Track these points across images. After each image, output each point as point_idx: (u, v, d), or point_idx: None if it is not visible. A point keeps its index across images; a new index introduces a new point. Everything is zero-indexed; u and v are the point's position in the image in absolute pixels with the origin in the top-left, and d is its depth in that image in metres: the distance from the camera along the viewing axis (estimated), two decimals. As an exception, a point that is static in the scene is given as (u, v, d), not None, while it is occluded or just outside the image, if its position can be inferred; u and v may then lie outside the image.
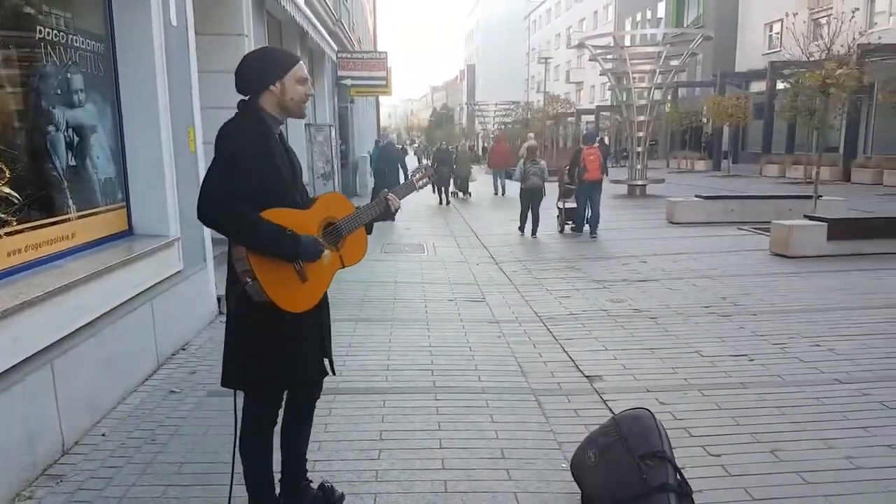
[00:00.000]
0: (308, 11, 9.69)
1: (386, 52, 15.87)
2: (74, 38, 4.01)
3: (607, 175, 11.41)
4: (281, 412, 2.56)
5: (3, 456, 2.75)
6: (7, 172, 3.34)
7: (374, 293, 6.70)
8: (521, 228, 11.11)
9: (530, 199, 10.86)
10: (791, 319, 5.67)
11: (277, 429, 2.58)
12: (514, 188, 19.82)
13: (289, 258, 2.29)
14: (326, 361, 2.60)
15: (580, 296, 6.78)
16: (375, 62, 15.09)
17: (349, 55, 15.05)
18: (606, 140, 42.67)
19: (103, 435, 3.44)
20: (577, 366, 4.63)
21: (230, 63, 7.05)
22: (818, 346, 4.94)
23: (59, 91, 3.87)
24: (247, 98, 2.37)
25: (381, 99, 29.59)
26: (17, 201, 3.47)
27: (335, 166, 10.61)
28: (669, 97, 30.02)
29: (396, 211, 2.68)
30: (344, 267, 2.53)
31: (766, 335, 5.23)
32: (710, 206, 12.44)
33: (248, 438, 2.49)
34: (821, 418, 3.67)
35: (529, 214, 10.89)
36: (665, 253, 9.13)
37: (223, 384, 2.45)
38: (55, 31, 3.79)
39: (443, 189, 16.87)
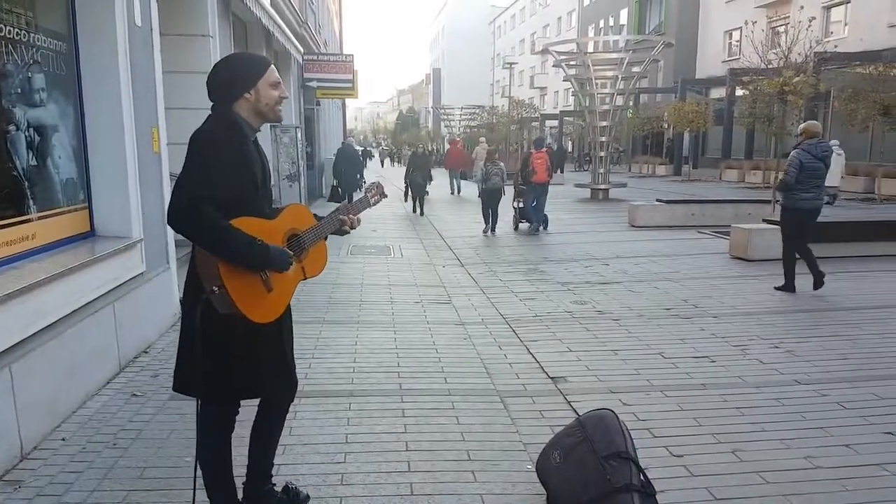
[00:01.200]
0: (273, 13, 9.62)
1: (352, 55, 15.79)
2: (36, 36, 3.93)
3: (552, 177, 12.56)
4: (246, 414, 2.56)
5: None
6: (-36, 172, 3.27)
7: (340, 295, 6.69)
8: (485, 229, 11.82)
9: (490, 199, 11.66)
10: (751, 322, 5.85)
11: (244, 433, 2.57)
12: (468, 188, 20.57)
13: (258, 268, 2.29)
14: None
15: (544, 297, 6.87)
16: (341, 65, 15.03)
17: (315, 57, 14.96)
18: (571, 145, 43.27)
19: (63, 439, 3.38)
20: (541, 367, 4.70)
21: (195, 64, 7.03)
22: (777, 347, 5.11)
23: (19, 90, 3.80)
24: (220, 105, 2.36)
25: (348, 101, 29.42)
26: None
27: (301, 168, 10.53)
28: (631, 103, 30.59)
29: (354, 227, 2.70)
30: (306, 278, 2.55)
31: (727, 337, 5.38)
32: (671, 210, 12.71)
33: (206, 444, 2.47)
34: (780, 419, 3.79)
35: (490, 212, 11.67)
36: (627, 256, 9.32)
37: (176, 389, 2.43)
38: (15, 30, 3.72)
39: (417, 198, 15.02)
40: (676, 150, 32.60)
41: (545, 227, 12.02)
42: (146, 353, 4.74)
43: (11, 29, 3.67)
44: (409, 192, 15.52)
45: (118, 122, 4.54)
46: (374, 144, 79.25)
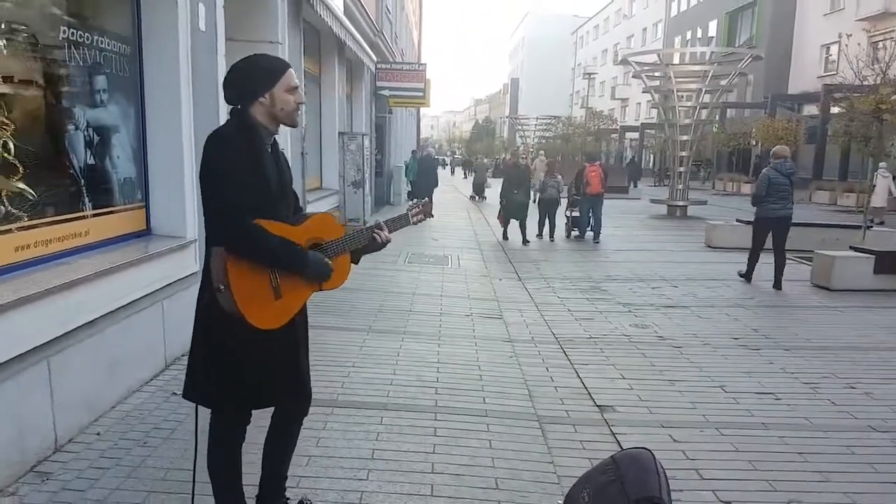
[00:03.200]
0: (347, 22, 9.74)
1: (424, 64, 15.87)
2: (100, 39, 4.06)
3: (605, 189, 13.13)
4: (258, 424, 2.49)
5: (-11, 452, 2.75)
6: (20, 169, 3.38)
7: (390, 304, 6.63)
8: (540, 234, 12.74)
9: (547, 208, 12.69)
10: (826, 357, 5.39)
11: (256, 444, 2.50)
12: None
13: (301, 272, 2.28)
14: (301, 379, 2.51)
15: (602, 318, 6.59)
16: (414, 73, 15.10)
17: (388, 66, 15.11)
18: (653, 159, 42.01)
19: (98, 434, 3.43)
20: (589, 393, 4.47)
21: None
22: (853, 388, 4.67)
23: (80, 91, 3.92)
24: (238, 107, 2.32)
25: (424, 110, 29.71)
26: (31, 197, 3.51)
27: (366, 175, 10.60)
28: (717, 117, 29.40)
29: (385, 243, 2.60)
30: (321, 290, 2.46)
31: (797, 373, 4.97)
32: (751, 232, 12.01)
33: (215, 453, 2.42)
34: (848, 469, 3.45)
35: (546, 221, 12.72)
36: (699, 278, 8.86)
37: (185, 396, 2.38)
38: (79, 33, 3.84)
39: (519, 221, 11.93)
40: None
41: (596, 238, 12.66)
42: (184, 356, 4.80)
43: (74, 32, 3.79)
44: (504, 213, 12.35)
45: (177, 125, 4.64)
46: (448, 154, 79.68)
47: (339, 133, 10.45)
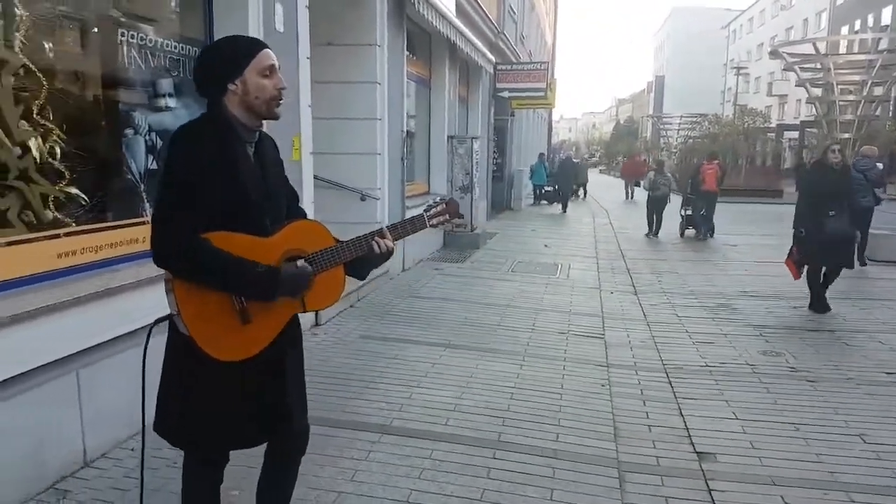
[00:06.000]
0: (458, 23, 9.43)
1: (546, 63, 15.20)
2: (165, 42, 3.99)
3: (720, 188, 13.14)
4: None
5: (4, 466, 2.65)
6: (68, 174, 3.33)
7: (477, 316, 6.16)
8: (650, 232, 13.03)
9: (656, 206, 12.87)
10: None
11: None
12: (640, 195, 20.04)
13: (267, 299, 1.93)
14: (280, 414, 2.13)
15: (725, 342, 5.70)
16: (535, 73, 14.48)
17: (508, 67, 14.64)
18: (810, 157, 38.02)
19: (132, 450, 3.30)
20: (689, 436, 3.76)
21: (359, 74, 6.98)
22: None
23: (142, 95, 3.86)
24: (210, 98, 1.99)
25: (563, 113, 29.18)
26: (83, 203, 3.47)
27: (475, 179, 10.22)
28: (891, 113, 25.96)
29: (388, 253, 2.17)
30: (305, 311, 2.07)
31: (971, 424, 3.91)
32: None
33: (189, 496, 2.12)
34: None
35: (654, 218, 12.94)
36: (854, 297, 7.55)
37: (154, 429, 2.09)
38: (141, 35, 3.78)
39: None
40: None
41: (711, 235, 12.60)
42: (260, 362, 4.66)
43: (135, 35, 3.73)
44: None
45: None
46: (586, 156, 77.67)
47: (447, 137, 10.17)
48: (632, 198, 23.97)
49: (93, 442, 3.14)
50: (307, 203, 5.31)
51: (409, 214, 7.99)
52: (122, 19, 3.70)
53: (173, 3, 4.23)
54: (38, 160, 3.14)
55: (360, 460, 3.28)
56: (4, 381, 2.64)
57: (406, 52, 8.44)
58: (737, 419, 4.02)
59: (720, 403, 4.28)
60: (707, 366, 5.05)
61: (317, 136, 6.52)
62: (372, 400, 4.03)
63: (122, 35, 3.68)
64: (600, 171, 56.99)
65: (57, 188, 3.28)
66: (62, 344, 2.94)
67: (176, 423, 2.03)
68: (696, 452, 3.55)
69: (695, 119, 38.53)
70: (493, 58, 12.73)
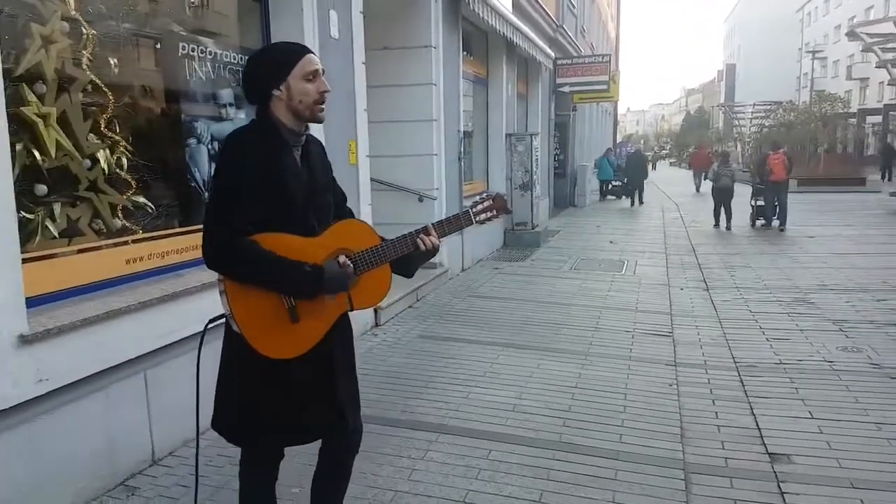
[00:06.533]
0: (514, 19, 9.35)
1: (608, 56, 14.86)
2: (225, 53, 4.11)
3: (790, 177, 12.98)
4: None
5: (76, 462, 2.79)
6: (134, 184, 3.49)
7: (540, 315, 6.07)
8: (717, 224, 12.89)
9: (722, 197, 12.75)
10: None
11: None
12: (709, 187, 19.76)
13: (311, 297, 1.96)
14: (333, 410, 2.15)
15: (802, 338, 5.42)
16: (596, 66, 14.18)
17: (569, 61, 14.39)
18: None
19: (201, 448, 3.40)
20: (761, 436, 3.58)
21: (414, 76, 7.04)
22: None
23: (204, 105, 4.00)
24: (258, 105, 2.04)
25: (629, 105, 28.58)
26: (150, 211, 3.62)
27: (535, 177, 10.09)
28: None
29: (434, 250, 2.16)
30: (353, 310, 2.08)
31: None
32: None
33: (242, 494, 2.19)
34: None
35: (722, 210, 12.79)
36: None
37: (212, 426, 2.15)
38: (201, 48, 3.92)
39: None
40: None
41: (783, 226, 12.32)
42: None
43: (196, 47, 3.87)
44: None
45: (304, 134, 4.59)
46: (655, 149, 75.66)
47: (506, 135, 10.09)
48: (700, 190, 23.92)
49: (161, 440, 3.26)
50: (364, 205, 5.37)
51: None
52: (184, 33, 3.84)
53: (232, 16, 4.36)
54: (106, 171, 3.30)
55: (418, 459, 3.28)
56: (76, 381, 2.77)
57: (462, 52, 8.43)
58: (813, 418, 3.80)
59: (795, 402, 4.06)
60: (781, 363, 4.81)
61: (374, 140, 6.60)
62: (429, 399, 4.03)
63: (184, 49, 3.82)
64: (670, 164, 55.41)
65: (125, 197, 3.43)
66: (130, 346, 3.07)
67: (231, 419, 2.08)
68: (769, 453, 3.38)
69: (768, 107, 36.84)
70: (552, 53, 12.56)
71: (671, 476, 3.14)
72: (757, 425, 3.72)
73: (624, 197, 19.37)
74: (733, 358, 4.94)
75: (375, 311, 5.58)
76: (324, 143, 4.67)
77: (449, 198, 7.53)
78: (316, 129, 4.56)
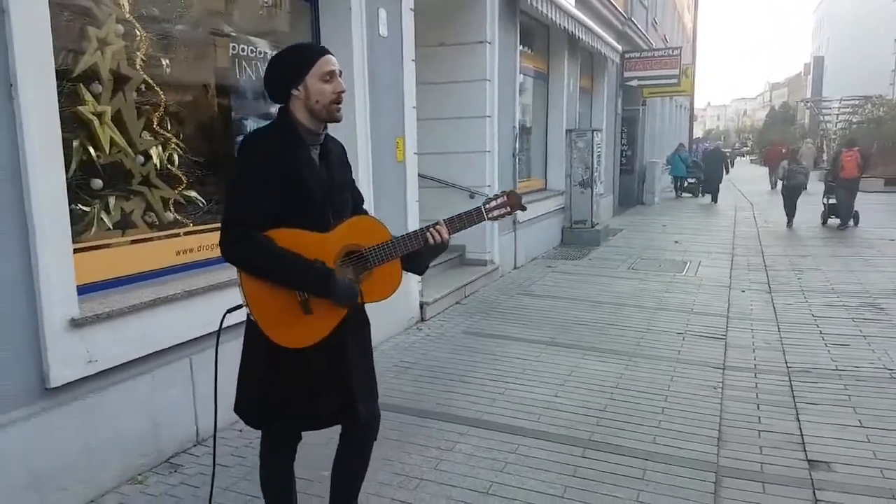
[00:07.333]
0: (576, 12, 9.23)
1: (679, 48, 14.37)
2: (274, 53, 4.28)
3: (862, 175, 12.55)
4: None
5: (123, 439, 2.99)
6: (185, 179, 3.70)
7: (589, 315, 5.99)
8: (790, 224, 12.64)
9: (792, 195, 12.65)
10: None
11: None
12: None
13: (316, 295, 2.04)
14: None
15: (864, 345, 5.14)
16: (666, 59, 13.75)
17: (637, 54, 14.05)
18: None
19: (241, 431, 3.58)
20: (803, 443, 3.45)
21: (468, 73, 7.08)
22: None
23: (253, 104, 4.19)
24: (280, 104, 2.14)
25: (710, 100, 27.71)
26: (201, 205, 3.83)
27: (595, 173, 9.91)
28: None
29: (443, 245, 2.22)
30: (363, 303, 2.16)
31: None
32: None
33: (261, 474, 2.32)
34: None
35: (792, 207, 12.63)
36: None
37: (234, 410, 2.27)
38: (250, 48, 4.10)
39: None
40: None
41: (855, 224, 12.20)
42: (366, 354, 4.85)
43: (245, 47, 4.06)
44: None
45: (351, 132, 4.70)
46: (736, 145, 72.72)
47: (566, 130, 9.97)
48: (775, 187, 22.83)
49: (205, 422, 3.45)
50: (411, 202, 5.46)
51: (520, 212, 8.05)
52: (234, 34, 4.03)
53: (282, 16, 4.53)
54: (158, 167, 3.51)
55: (446, 450, 3.34)
56: (124, 364, 2.98)
57: (521, 47, 8.40)
58: (862, 427, 3.62)
59: (846, 410, 3.88)
60: (837, 369, 4.59)
61: (427, 136, 6.70)
62: (465, 393, 4.08)
63: (234, 49, 4.01)
64: (751, 161, 53.11)
65: (176, 192, 3.65)
66: (176, 332, 3.26)
67: (249, 404, 2.19)
68: (808, 460, 3.25)
69: (856, 102, 34.68)
70: (619, 46, 12.31)
71: (701, 478, 3.07)
72: (800, 431, 3.58)
73: (701, 195, 18.98)
74: (786, 363, 4.75)
75: (421, 305, 5.67)
76: (370, 141, 4.85)
77: (502, 195, 7.52)
78: (362, 127, 4.73)
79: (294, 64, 2.06)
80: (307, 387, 2.14)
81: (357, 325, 2.25)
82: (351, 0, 4.61)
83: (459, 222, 2.26)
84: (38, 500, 2.63)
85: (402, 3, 5.28)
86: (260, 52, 4.18)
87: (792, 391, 4.19)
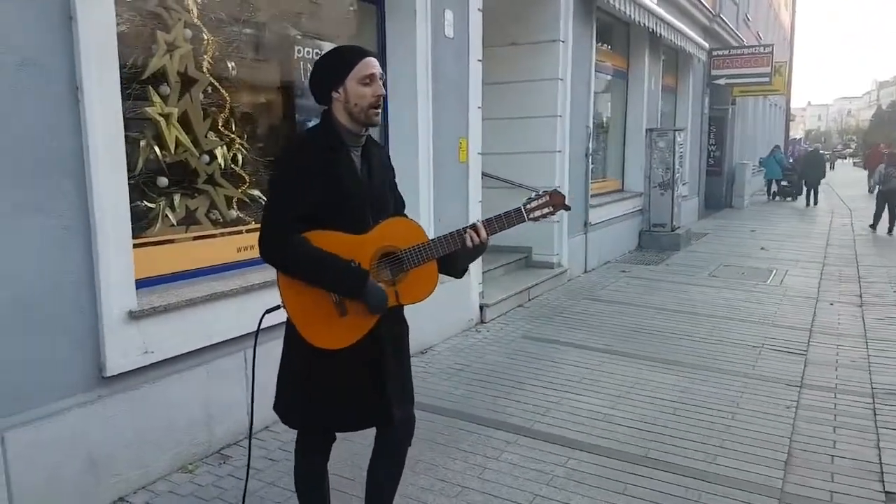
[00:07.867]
0: (659, 10, 8.87)
1: (771, 45, 13.53)
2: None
3: None
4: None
5: (176, 428, 3.11)
6: (248, 178, 3.80)
7: (659, 323, 5.74)
8: (874, 226, 12.41)
9: (887, 199, 12.22)
10: None
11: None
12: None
13: (349, 296, 2.04)
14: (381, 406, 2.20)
15: (966, 367, 4.68)
16: (757, 57, 13.00)
17: (725, 52, 13.37)
18: None
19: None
20: (881, 471, 3.18)
21: (540, 72, 7.00)
22: None
23: (316, 105, 4.24)
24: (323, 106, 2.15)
25: (810, 99, 26.32)
26: (263, 204, 3.93)
27: (676, 175, 9.50)
28: None
29: (481, 247, 2.17)
30: (400, 305, 2.13)
31: None
32: None
33: (296, 473, 2.36)
34: None
35: (885, 213, 12.19)
36: None
37: (273, 408, 2.30)
38: (315, 51, 4.17)
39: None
40: None
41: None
42: (423, 353, 4.84)
43: (311, 50, 4.13)
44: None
45: (413, 133, 4.72)
46: (838, 147, 68.31)
47: (646, 130, 9.62)
48: (872, 191, 21.42)
49: (258, 415, 3.52)
50: (473, 203, 5.41)
51: (592, 214, 7.84)
52: (300, 37, 4.11)
53: (348, 18, 4.59)
54: (222, 166, 3.63)
55: (492, 458, 3.27)
56: (180, 355, 3.09)
57: (598, 45, 8.19)
58: (955, 460, 3.29)
59: (937, 439, 3.53)
60: (933, 394, 4.19)
61: (496, 136, 6.64)
62: (518, 400, 4.00)
63: (300, 52, 4.10)
64: (853, 164, 49.72)
65: (239, 191, 3.76)
66: (232, 326, 3.35)
67: (287, 403, 2.21)
68: (885, 492, 2.98)
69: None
70: (705, 44, 11.76)
71: (762, 505, 2.87)
72: (879, 459, 3.29)
73: (796, 198, 18.30)
74: (871, 383, 4.39)
75: (482, 307, 5.61)
76: (432, 141, 4.83)
77: (574, 196, 7.35)
78: (424, 127, 4.72)
79: (335, 66, 2.06)
80: (342, 388, 2.14)
81: (394, 327, 2.23)
82: (416, 2, 4.60)
83: (499, 223, 2.20)
84: (94, 484, 2.76)
85: (469, 3, 5.24)
86: (314, 55, 4.25)
87: (874, 415, 3.86)
